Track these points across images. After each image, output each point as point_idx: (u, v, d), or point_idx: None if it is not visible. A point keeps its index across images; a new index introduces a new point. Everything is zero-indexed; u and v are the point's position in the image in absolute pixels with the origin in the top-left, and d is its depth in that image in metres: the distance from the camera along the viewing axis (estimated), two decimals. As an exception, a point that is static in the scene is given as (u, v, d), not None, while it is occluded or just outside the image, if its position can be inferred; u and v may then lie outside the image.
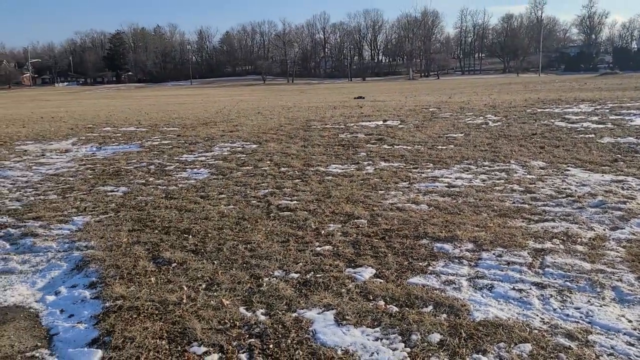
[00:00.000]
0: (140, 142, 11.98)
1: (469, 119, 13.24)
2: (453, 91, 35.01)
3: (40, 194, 7.27)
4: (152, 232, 5.35)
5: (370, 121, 13.77)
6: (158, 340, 3.28)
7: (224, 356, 3.11)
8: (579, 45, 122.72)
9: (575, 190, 6.18)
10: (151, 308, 3.69)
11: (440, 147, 9.41)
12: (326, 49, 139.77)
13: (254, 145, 10.63)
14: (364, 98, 27.82)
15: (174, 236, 5.19)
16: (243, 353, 3.14)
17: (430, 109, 16.46)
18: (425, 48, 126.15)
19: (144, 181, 7.83)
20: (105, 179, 8.13)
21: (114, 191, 7.25)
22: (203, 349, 3.18)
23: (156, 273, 4.32)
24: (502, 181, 6.80)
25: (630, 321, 3.28)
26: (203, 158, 9.53)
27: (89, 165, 9.33)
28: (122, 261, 4.58)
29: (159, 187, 7.41)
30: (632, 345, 3.02)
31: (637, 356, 2.91)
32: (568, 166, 7.51)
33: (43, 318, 3.82)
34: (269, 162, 8.83)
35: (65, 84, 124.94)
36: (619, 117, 11.92)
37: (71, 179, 8.24)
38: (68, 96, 59.90)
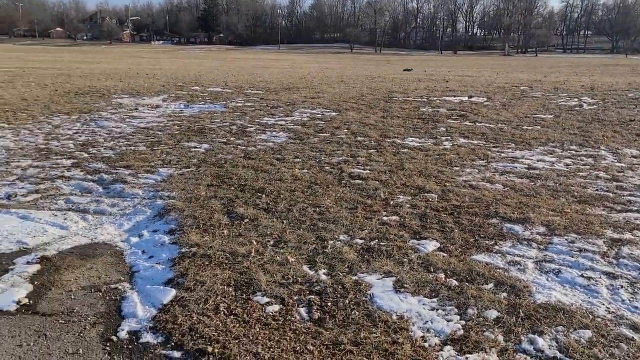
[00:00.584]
0: (224, 102, 12.44)
1: (562, 100, 12.55)
2: (550, 70, 33.11)
3: (131, 144, 7.81)
4: (228, 189, 5.64)
5: (454, 96, 13.42)
6: (225, 287, 3.51)
7: (284, 308, 3.29)
8: None
9: (669, 183, 5.78)
10: (222, 257, 3.94)
11: (525, 127, 9.04)
12: (418, 19, 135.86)
13: (334, 113, 10.73)
14: (411, 70, 27.17)
15: (249, 194, 5.44)
16: (302, 307, 3.30)
17: (521, 88, 15.74)
18: (525, 22, 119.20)
19: (225, 140, 8.18)
20: (190, 135, 8.58)
21: (197, 147, 7.65)
22: (266, 299, 3.37)
23: (229, 226, 4.57)
24: (588, 167, 6.47)
25: None
26: (283, 122, 9.77)
27: (176, 122, 9.85)
28: (199, 212, 4.89)
29: (239, 146, 7.72)
30: None
31: None
32: (665, 156, 7.01)
33: (126, 256, 4.19)
34: (346, 130, 8.91)
35: (161, 42, 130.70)
36: None
37: (159, 133, 8.77)
38: (162, 54, 62.73)
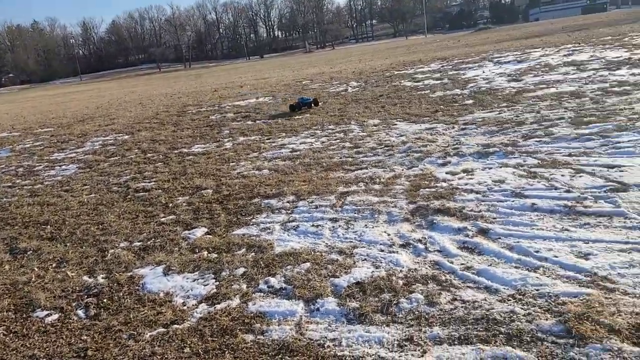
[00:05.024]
0: (10, 146, 11.87)
1: (333, 87, 14.26)
2: (341, 60, 36.26)
3: None
4: (12, 228, 5.74)
5: (244, 100, 14.43)
6: (5, 313, 3.82)
7: (63, 315, 3.72)
8: (460, 4, 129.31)
9: (394, 141, 7.26)
10: (1, 290, 4.20)
11: (296, 117, 10.28)
12: (220, 30, 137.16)
13: (126, 136, 10.96)
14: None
15: (33, 228, 5.62)
16: (80, 310, 3.76)
17: (304, 82, 17.37)
18: (318, 19, 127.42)
19: (10, 184, 8.02)
20: (-31, 186, 8.21)
21: (-23, 197, 7.42)
22: (45, 312, 3.76)
23: (11, 261, 4.78)
24: (338, 141, 7.77)
25: (389, 235, 4.25)
26: (73, 154, 9.76)
27: (-46, 176, 9.25)
28: (-20, 257, 4.98)
29: (25, 187, 7.66)
30: (382, 250, 3.98)
31: (382, 257, 3.85)
32: (397, 121, 8.64)
33: None
34: (137, 150, 9.27)
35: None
36: (457, 72, 13.43)
37: None
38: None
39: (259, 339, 3.08)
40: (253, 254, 4.26)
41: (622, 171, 4.87)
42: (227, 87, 20.77)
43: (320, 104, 10.63)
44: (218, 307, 3.54)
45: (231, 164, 7.31)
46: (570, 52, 15.26)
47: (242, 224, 4.97)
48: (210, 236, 4.76)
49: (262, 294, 3.63)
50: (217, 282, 3.89)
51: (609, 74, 10.43)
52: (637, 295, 2.84)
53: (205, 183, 6.44)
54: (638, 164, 4.98)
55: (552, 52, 15.87)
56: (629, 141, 5.73)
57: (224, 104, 14.23)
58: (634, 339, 2.45)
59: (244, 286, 3.76)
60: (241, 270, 4.01)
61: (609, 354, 2.38)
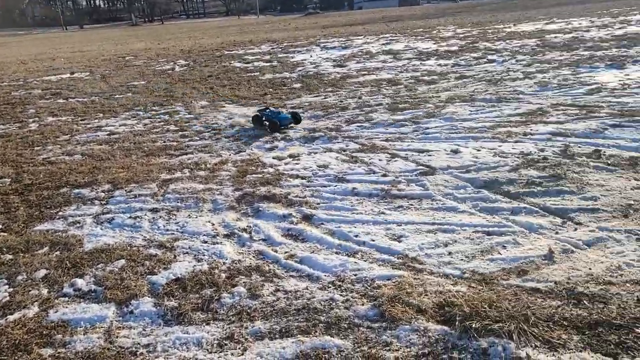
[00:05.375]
0: None
1: (159, 65, 13.47)
2: (170, 36, 34.52)
3: None
4: None
5: (56, 75, 12.92)
6: None
7: None
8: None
9: (221, 124, 7.05)
10: None
11: (117, 96, 9.49)
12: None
13: None
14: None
15: None
16: None
17: (127, 58, 16.15)
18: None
19: None
20: None
21: None
22: None
23: None
24: (162, 123, 7.32)
25: (213, 224, 4.07)
26: None
27: None
28: None
29: None
30: (206, 242, 3.78)
31: (205, 250, 3.66)
32: (225, 103, 8.43)
33: None
34: None
35: None
36: (286, 55, 13.61)
37: None
38: None
39: (59, 352, 2.71)
40: (58, 252, 3.77)
41: (430, 155, 5.30)
42: (37, 60, 18.42)
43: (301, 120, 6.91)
44: (10, 318, 3.05)
45: (36, 148, 6.44)
46: (388, 41, 16.38)
47: (45, 218, 4.39)
48: (5, 234, 4.12)
49: (66, 299, 3.22)
50: (11, 289, 3.35)
51: (420, 63, 11.39)
52: (441, 275, 3.07)
53: (2, 171, 5.58)
54: (443, 149, 5.46)
55: (373, 41, 16.90)
56: (435, 127, 6.28)
57: (31, 78, 12.57)
58: (437, 318, 2.63)
59: (45, 291, 3.30)
60: (42, 272, 3.52)
61: (417, 334, 2.53)
